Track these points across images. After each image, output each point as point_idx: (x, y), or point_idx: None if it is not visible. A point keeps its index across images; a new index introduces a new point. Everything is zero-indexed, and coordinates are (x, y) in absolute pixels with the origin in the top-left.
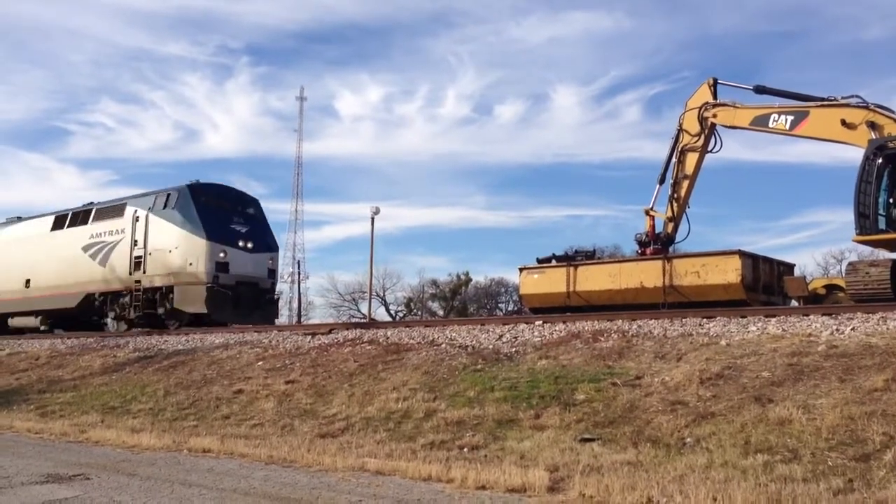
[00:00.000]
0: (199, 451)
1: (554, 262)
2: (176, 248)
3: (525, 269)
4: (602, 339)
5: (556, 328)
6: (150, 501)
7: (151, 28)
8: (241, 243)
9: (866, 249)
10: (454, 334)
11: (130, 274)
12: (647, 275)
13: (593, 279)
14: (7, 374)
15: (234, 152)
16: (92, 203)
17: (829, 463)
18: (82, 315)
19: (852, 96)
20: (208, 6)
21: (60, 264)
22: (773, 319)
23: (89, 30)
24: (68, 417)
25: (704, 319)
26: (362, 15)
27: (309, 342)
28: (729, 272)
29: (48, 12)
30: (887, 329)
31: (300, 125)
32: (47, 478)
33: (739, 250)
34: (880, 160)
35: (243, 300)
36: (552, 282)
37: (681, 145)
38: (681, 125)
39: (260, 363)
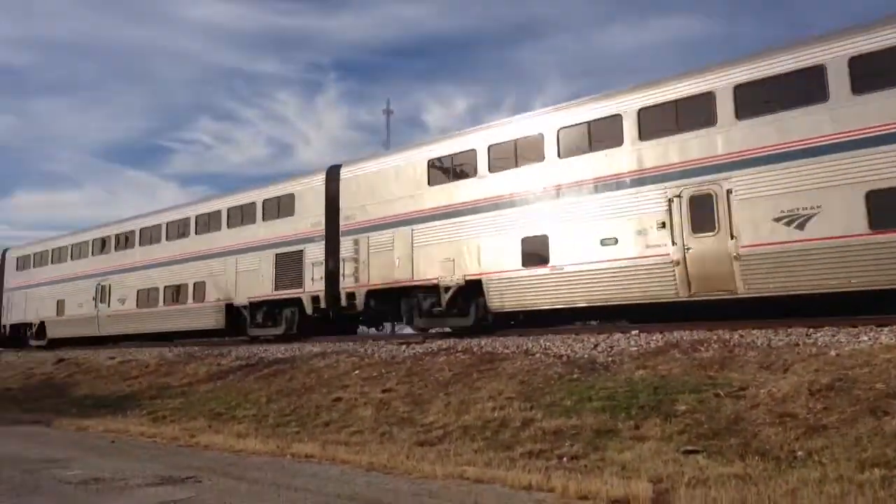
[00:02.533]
0: (302, 456)
1: None
2: None
3: None
4: (702, 349)
5: (653, 338)
6: None
7: (244, 47)
8: None
9: None
10: (548, 343)
11: None
12: None
13: None
14: (120, 381)
15: (325, 166)
16: None
17: None
18: None
19: None
20: (297, 24)
21: None
22: (886, 329)
23: (187, 50)
24: (178, 422)
25: (811, 329)
26: (448, 28)
27: (404, 352)
28: None
29: (148, 34)
30: None
31: (387, 138)
32: (161, 480)
33: None
34: None
35: None
36: None
37: None
38: None
39: (356, 372)
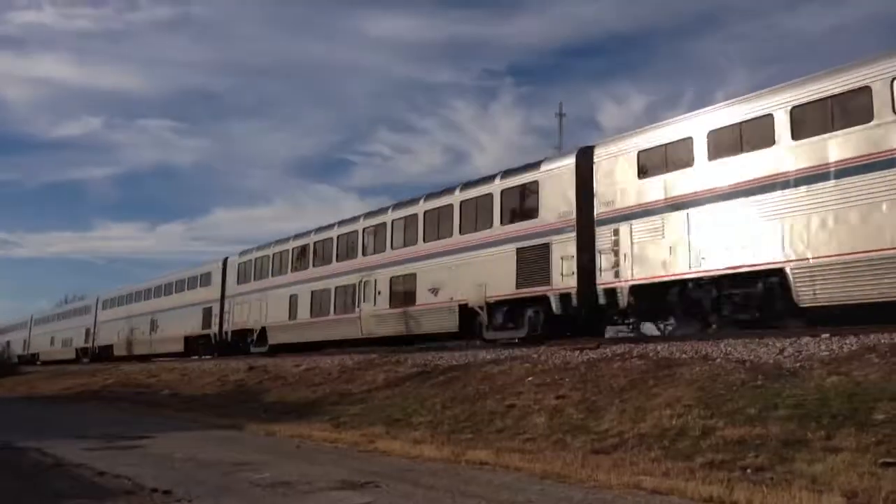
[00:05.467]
0: (476, 463)
1: None
2: None
3: None
4: None
5: (846, 341)
6: None
7: (422, 58)
8: None
9: None
10: (729, 348)
11: None
12: None
13: None
14: (304, 387)
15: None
16: None
17: None
18: None
19: None
20: (473, 32)
21: None
22: None
23: (368, 65)
24: (358, 428)
25: None
26: (623, 25)
27: (577, 357)
28: None
29: (332, 53)
30: None
31: (560, 141)
32: (343, 484)
33: None
34: None
35: None
36: None
37: None
38: None
39: (530, 378)
